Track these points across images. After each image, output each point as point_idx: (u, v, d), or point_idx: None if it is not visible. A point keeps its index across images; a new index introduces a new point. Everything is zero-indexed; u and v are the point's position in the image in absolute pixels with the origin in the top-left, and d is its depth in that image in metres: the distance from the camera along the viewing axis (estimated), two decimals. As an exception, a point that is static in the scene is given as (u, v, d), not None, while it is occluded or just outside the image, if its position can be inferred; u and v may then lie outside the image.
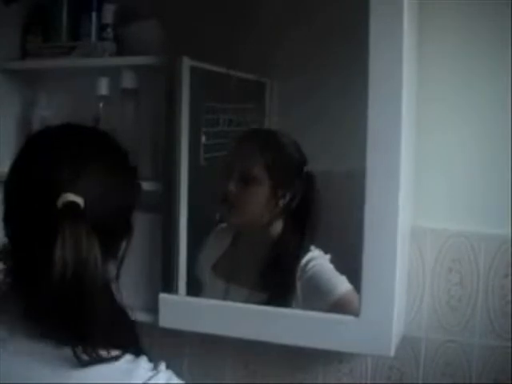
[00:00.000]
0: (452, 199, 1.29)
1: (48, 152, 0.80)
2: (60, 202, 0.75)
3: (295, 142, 1.31)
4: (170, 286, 1.37)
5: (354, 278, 1.21)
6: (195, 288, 1.39)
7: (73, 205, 0.75)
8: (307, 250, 1.30)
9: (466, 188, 1.28)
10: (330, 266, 1.27)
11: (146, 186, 1.41)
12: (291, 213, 1.31)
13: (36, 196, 0.77)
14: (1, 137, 1.60)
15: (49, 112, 1.60)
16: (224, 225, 1.42)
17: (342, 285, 1.25)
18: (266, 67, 1.33)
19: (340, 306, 1.24)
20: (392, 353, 1.17)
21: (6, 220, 0.81)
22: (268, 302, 1.29)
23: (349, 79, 1.23)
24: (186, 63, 1.38)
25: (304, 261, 1.29)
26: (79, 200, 0.76)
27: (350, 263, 1.23)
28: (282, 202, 1.31)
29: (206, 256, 1.42)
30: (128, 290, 0.82)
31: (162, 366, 0.79)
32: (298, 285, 1.29)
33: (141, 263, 1.41)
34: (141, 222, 1.44)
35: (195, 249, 1.41)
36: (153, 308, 1.36)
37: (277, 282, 1.31)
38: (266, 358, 1.40)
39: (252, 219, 1.37)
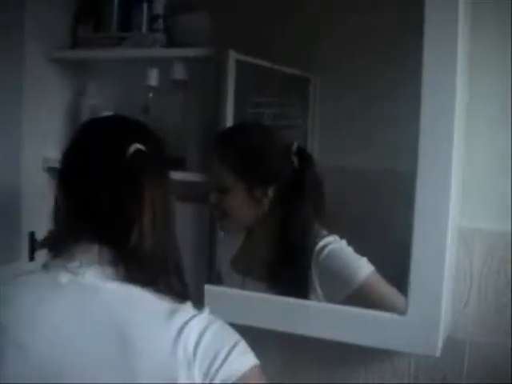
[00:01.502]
0: (500, 199, 1.27)
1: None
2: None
3: (268, 133, 1.36)
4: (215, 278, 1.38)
5: (399, 275, 1.20)
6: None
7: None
8: (320, 236, 1.28)
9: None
10: (348, 249, 1.26)
11: (193, 176, 1.42)
12: (287, 200, 1.29)
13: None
14: (50, 124, 1.63)
15: (98, 101, 1.61)
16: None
17: (363, 268, 1.23)
18: (309, 63, 1.33)
19: (363, 291, 1.23)
20: (438, 353, 1.17)
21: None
22: (283, 295, 1.27)
23: (392, 78, 1.22)
24: (233, 56, 1.38)
25: (318, 247, 1.27)
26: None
27: (394, 261, 1.22)
28: (266, 200, 1.30)
29: (225, 251, 1.42)
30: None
31: (206, 309, 0.86)
32: (314, 273, 1.27)
33: (187, 254, 1.41)
34: (187, 212, 1.47)
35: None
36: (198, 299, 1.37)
37: (289, 273, 1.29)
38: (309, 353, 1.40)
39: (241, 224, 1.38)
